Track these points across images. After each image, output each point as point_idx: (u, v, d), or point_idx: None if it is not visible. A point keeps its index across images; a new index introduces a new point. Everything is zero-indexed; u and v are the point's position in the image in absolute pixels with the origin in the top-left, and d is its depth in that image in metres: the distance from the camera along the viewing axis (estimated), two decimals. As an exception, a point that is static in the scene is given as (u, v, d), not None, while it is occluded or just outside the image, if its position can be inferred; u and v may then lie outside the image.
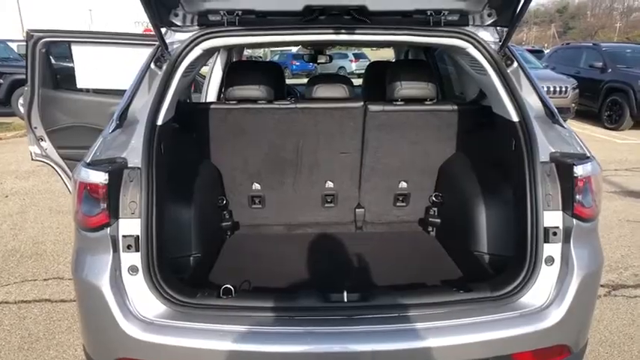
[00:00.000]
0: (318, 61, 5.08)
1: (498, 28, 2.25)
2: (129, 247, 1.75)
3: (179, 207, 2.30)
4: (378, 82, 3.12)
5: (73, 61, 3.54)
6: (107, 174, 1.75)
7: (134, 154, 1.88)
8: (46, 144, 3.69)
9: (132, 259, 1.77)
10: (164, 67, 2.10)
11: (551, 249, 1.83)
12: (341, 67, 24.74)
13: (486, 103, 2.67)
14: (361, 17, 2.16)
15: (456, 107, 2.78)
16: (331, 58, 5.42)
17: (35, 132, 3.64)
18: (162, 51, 2.13)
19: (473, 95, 2.95)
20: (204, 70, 4.21)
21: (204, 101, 3.77)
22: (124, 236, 1.77)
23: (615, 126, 10.32)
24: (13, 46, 14.03)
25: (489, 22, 2.22)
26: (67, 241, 4.47)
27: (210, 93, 3.88)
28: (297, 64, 25.01)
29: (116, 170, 1.80)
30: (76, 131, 3.68)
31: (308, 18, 2.16)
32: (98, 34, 3.43)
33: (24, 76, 10.36)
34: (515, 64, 2.18)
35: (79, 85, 3.59)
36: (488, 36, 2.23)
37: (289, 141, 2.86)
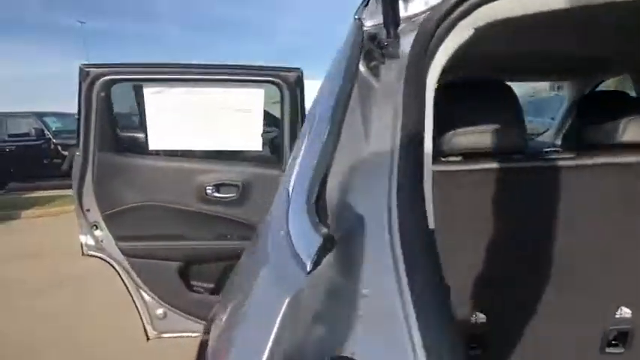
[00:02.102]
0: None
1: None
2: None
3: None
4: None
5: (142, 113, 2.38)
6: None
7: None
8: (102, 233, 2.48)
9: None
10: (395, 66, 0.81)
11: None
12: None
13: None
14: None
15: None
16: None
17: (87, 216, 2.46)
18: (380, 33, 0.84)
19: None
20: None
21: None
22: None
23: None
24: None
25: None
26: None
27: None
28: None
29: None
30: (146, 214, 2.46)
31: None
32: (188, 68, 2.29)
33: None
34: None
35: (153, 146, 2.41)
36: None
37: (547, 226, 1.46)
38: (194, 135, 2.40)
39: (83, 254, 2.58)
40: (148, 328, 2.69)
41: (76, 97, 2.22)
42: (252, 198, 2.48)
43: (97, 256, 2.56)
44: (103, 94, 2.23)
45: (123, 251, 2.46)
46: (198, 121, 2.37)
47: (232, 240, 2.55)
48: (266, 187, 2.51)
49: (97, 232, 2.48)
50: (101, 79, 2.20)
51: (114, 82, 2.26)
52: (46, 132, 10.84)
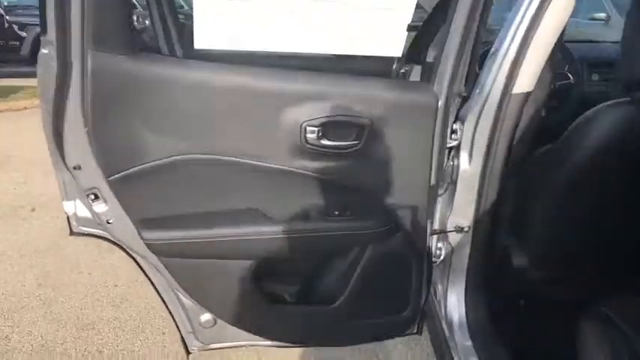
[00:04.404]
0: None
1: None
2: None
3: None
4: None
5: None
6: None
7: None
8: (107, 209, 1.33)
9: None
10: None
11: None
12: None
13: None
14: None
15: None
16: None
17: (77, 176, 1.28)
18: None
19: None
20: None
21: None
22: None
23: None
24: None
25: None
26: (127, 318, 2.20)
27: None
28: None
29: None
30: (192, 176, 1.30)
31: None
32: None
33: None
34: None
35: (201, 43, 1.17)
36: None
37: None
38: (284, 22, 1.17)
39: (72, 233, 1.45)
40: (189, 338, 1.68)
41: None
42: (383, 147, 1.33)
43: (100, 237, 1.44)
44: None
45: (151, 247, 1.34)
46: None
47: (343, 218, 1.44)
48: (408, 125, 1.36)
49: (99, 207, 1.32)
50: None
51: None
52: (-3, 8, 8.94)
